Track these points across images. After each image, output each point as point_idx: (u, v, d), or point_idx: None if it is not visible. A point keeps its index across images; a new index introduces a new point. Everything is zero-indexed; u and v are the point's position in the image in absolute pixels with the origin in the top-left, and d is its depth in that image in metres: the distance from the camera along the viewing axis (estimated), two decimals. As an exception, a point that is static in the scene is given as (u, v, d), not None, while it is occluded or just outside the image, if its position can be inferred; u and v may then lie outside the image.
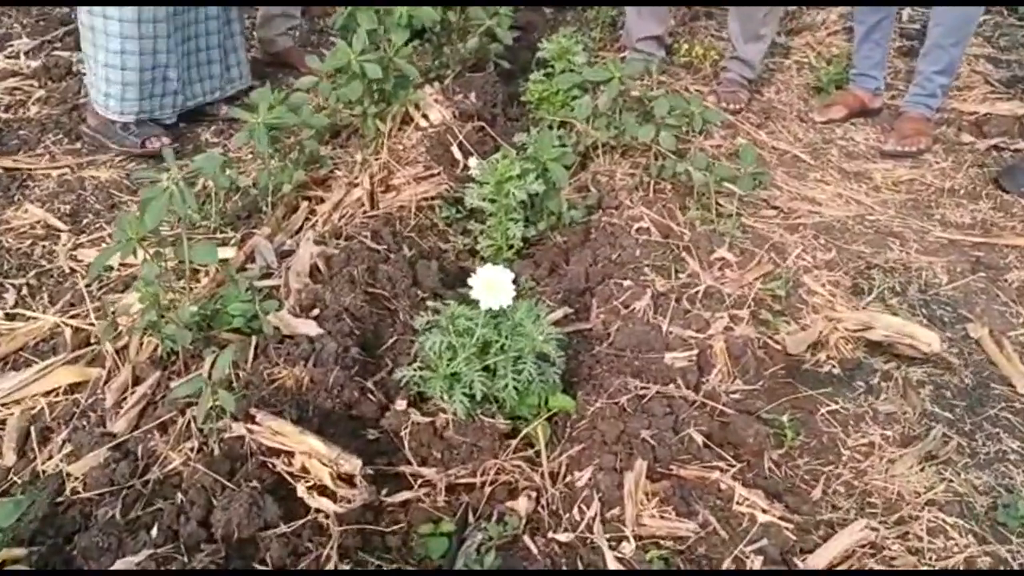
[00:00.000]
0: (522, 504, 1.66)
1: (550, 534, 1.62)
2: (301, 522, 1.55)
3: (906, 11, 4.80)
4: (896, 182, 3.12)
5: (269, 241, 2.34)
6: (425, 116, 3.00)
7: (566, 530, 1.62)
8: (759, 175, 2.59)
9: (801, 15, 4.73)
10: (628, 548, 1.58)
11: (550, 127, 3.04)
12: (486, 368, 1.76)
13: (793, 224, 2.75)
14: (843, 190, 3.03)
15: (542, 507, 1.69)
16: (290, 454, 1.64)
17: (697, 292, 2.29)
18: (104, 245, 2.41)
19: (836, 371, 2.16)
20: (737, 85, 3.62)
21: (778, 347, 2.20)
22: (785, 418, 1.96)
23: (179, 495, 1.56)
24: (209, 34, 2.98)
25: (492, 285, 1.69)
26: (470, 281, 1.73)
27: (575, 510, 1.66)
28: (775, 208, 2.85)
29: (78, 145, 2.94)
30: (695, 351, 2.07)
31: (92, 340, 2.01)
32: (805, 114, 3.64)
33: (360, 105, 2.84)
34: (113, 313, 1.95)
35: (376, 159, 2.73)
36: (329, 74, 2.76)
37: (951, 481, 1.84)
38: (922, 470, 1.86)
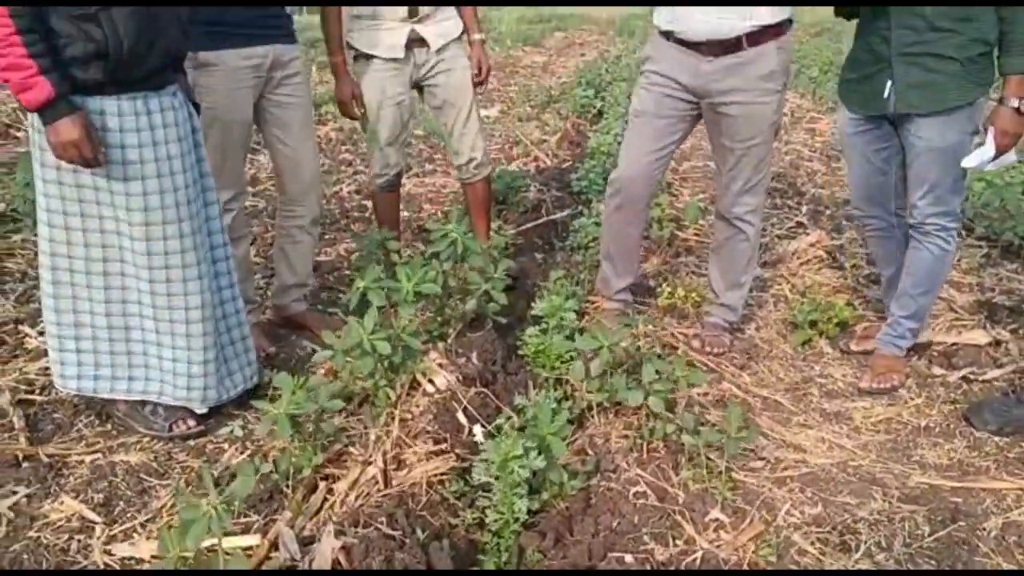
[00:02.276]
0: None
1: None
2: None
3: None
4: (875, 422, 3.32)
5: (291, 527, 2.50)
6: (431, 381, 3.24)
7: None
8: (744, 438, 2.79)
9: (775, 246, 5.12)
10: None
11: (546, 380, 3.30)
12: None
13: (781, 477, 2.93)
14: (826, 434, 3.23)
15: None
16: None
17: (695, 560, 2.44)
18: (135, 536, 2.57)
19: (832, 637, 2.28)
20: (720, 329, 3.89)
21: (775, 615, 2.33)
22: None
23: None
24: (230, 329, 3.23)
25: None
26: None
27: None
28: (762, 459, 3.04)
29: (109, 426, 3.15)
30: (696, 627, 2.20)
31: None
32: (785, 352, 3.89)
33: (372, 378, 3.09)
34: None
35: (387, 432, 2.93)
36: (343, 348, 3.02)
37: None
38: None
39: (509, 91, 10.65)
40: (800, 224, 5.55)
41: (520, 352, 3.64)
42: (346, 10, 3.95)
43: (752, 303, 4.36)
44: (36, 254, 4.74)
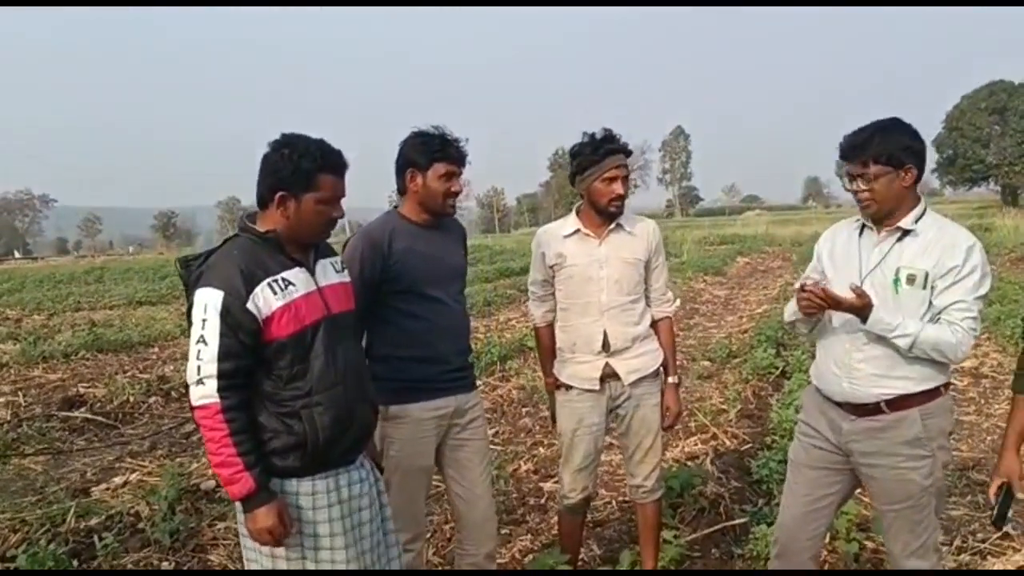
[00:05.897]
0: None
1: None
2: None
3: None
4: None
5: None
6: None
7: None
8: None
9: (976, 566, 4.69)
10: None
11: None
12: None
13: None
14: None
15: None
16: None
17: None
18: None
19: None
20: None
21: None
22: None
23: None
24: None
25: None
26: None
27: None
28: None
29: None
30: None
31: None
32: None
33: None
34: None
35: None
36: None
37: None
38: None
39: (688, 339, 10.72)
40: (1005, 535, 5.09)
41: None
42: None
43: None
44: (237, 543, 5.14)
